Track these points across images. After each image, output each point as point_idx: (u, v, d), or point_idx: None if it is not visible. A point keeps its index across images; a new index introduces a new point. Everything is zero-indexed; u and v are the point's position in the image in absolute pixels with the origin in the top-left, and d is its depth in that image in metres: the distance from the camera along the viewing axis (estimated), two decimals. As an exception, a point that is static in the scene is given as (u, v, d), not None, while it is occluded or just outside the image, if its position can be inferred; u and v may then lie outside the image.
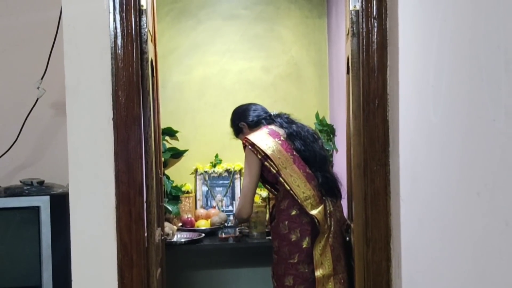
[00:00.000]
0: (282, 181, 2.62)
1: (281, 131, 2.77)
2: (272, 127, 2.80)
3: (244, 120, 2.93)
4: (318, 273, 2.54)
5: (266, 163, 2.64)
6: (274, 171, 2.63)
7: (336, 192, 2.71)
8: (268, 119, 2.89)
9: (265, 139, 2.70)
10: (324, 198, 2.64)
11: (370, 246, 2.08)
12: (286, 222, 2.64)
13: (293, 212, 2.64)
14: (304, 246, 2.60)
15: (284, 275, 2.63)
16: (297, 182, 2.61)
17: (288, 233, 2.63)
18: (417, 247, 1.75)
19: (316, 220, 2.57)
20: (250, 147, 2.69)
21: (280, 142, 2.70)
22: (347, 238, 2.63)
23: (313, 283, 2.56)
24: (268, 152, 2.64)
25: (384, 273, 2.07)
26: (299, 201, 2.59)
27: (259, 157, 2.66)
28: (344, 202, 2.74)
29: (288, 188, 2.60)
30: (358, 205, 2.13)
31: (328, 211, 2.61)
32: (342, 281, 2.57)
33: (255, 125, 2.89)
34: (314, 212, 2.57)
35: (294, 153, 2.70)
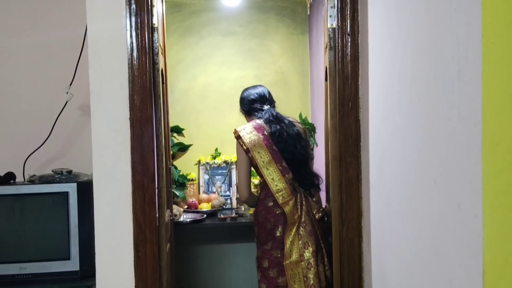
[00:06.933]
0: (261, 172, 2.53)
1: (266, 127, 2.59)
2: (261, 121, 2.63)
3: (241, 107, 2.81)
4: (287, 261, 2.44)
5: (250, 154, 2.53)
6: (255, 163, 2.54)
7: (308, 186, 2.58)
8: (260, 109, 2.69)
9: (249, 132, 2.57)
10: (297, 190, 2.51)
11: (345, 225, 2.08)
12: (263, 212, 2.56)
13: (270, 204, 2.53)
14: (277, 234, 2.51)
15: (261, 258, 2.57)
16: (272, 175, 2.50)
17: (264, 222, 2.55)
18: (384, 226, 1.75)
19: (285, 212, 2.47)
20: (237, 139, 2.59)
21: (262, 136, 2.55)
22: (325, 218, 2.60)
23: None
24: (250, 146, 2.53)
25: (356, 247, 2.07)
26: (272, 192, 2.49)
27: (244, 148, 2.55)
28: (323, 188, 2.73)
29: (264, 180, 2.52)
30: (334, 191, 2.13)
31: (299, 202, 2.49)
32: (309, 266, 2.45)
33: (248, 114, 2.76)
34: (284, 204, 2.47)
35: (274, 147, 2.55)
